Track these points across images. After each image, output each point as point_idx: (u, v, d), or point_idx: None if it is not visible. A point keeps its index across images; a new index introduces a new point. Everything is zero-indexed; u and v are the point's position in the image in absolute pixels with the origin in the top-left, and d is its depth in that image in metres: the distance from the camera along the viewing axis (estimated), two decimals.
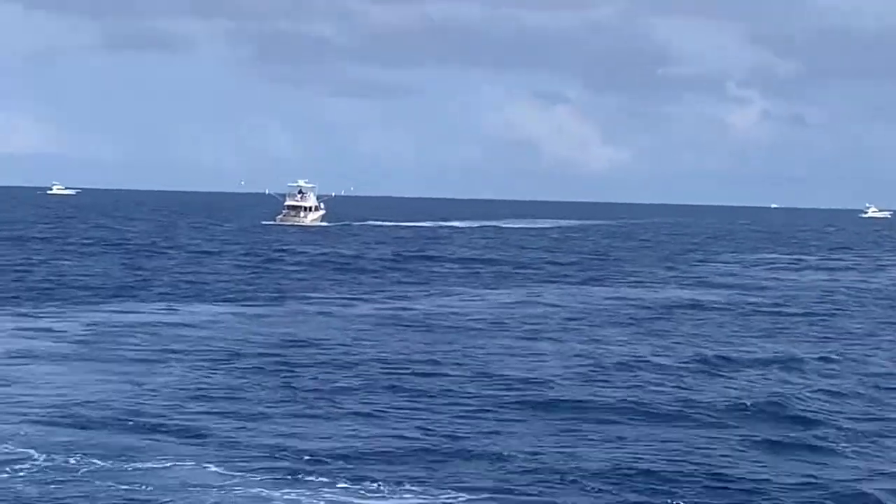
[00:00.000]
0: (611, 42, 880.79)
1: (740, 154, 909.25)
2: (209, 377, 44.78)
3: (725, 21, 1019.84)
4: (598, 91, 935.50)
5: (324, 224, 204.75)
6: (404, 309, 71.15)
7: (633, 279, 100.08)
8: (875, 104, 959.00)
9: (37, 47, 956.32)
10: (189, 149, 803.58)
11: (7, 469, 30.75)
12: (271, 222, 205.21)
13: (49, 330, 57.40)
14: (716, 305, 77.82)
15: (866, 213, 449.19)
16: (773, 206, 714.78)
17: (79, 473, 30.64)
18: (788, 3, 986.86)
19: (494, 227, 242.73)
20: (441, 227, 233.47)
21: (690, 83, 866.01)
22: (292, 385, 43.42)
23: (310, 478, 30.60)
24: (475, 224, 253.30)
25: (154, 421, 36.56)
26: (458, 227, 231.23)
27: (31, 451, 32.39)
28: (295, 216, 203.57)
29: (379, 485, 30.15)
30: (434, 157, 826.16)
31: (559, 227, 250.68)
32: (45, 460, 31.62)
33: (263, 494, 29.19)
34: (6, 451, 32.47)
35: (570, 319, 67.69)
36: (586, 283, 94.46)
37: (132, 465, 31.51)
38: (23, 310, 65.67)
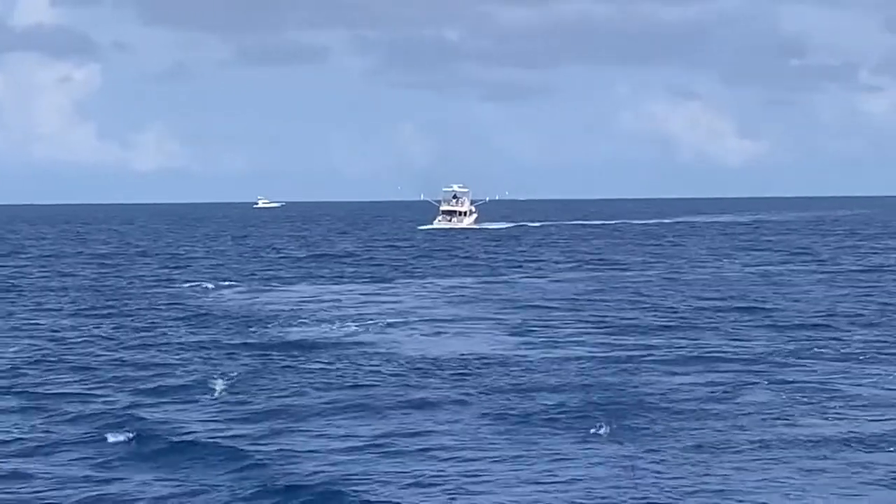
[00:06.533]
0: (742, 33, 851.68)
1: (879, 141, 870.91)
2: None
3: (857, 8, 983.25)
4: (732, 84, 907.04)
5: (479, 227, 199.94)
6: None
7: None
8: None
9: (169, 66, 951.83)
10: (338, 160, 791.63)
11: None
12: (428, 227, 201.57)
13: None
14: None
15: None
16: None
17: None
18: None
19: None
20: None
21: (823, 72, 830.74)
22: None
23: None
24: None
25: None
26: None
27: None
28: (450, 220, 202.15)
29: None
30: (574, 157, 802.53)
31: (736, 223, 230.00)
32: None
33: None
34: None
35: None
36: None
37: None
38: None
